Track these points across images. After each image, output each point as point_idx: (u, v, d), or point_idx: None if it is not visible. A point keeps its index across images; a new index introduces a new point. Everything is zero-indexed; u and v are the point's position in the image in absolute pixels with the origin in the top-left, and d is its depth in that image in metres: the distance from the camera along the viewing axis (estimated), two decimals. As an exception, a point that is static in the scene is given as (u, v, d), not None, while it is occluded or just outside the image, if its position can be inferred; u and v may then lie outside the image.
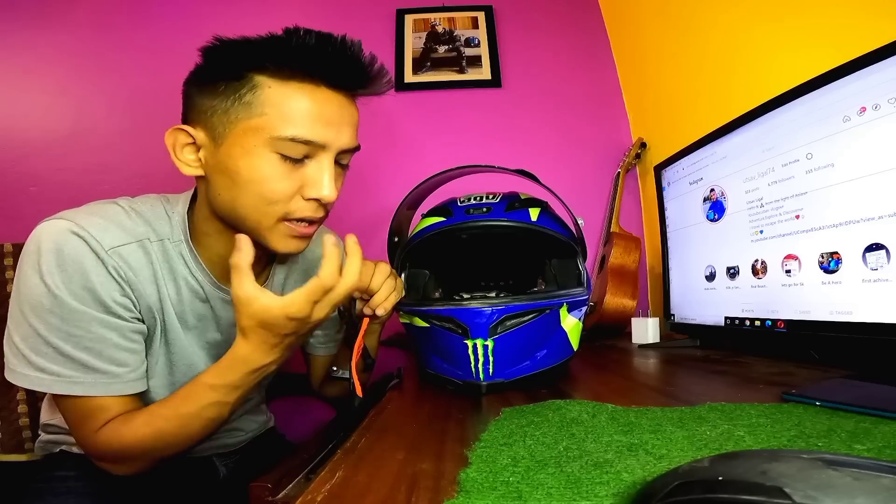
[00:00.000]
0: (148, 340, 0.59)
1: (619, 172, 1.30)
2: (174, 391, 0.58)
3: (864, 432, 0.35)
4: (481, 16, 1.46)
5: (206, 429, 0.57)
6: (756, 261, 0.77)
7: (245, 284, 0.48)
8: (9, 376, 0.53)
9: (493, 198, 0.70)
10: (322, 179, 0.55)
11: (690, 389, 0.58)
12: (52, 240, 0.51)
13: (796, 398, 0.45)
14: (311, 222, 0.58)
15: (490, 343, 0.59)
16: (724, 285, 0.84)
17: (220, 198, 0.56)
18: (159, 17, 1.39)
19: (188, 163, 0.56)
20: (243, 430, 0.81)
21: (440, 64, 1.42)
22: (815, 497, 0.19)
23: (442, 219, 0.69)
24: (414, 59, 1.42)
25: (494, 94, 1.41)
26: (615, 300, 1.07)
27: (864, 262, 0.60)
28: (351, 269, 0.51)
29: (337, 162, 0.58)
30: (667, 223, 1.03)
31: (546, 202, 0.73)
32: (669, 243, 1.02)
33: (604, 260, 1.18)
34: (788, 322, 0.71)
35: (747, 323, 0.78)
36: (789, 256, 0.71)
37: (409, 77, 1.40)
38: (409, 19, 1.45)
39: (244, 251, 0.49)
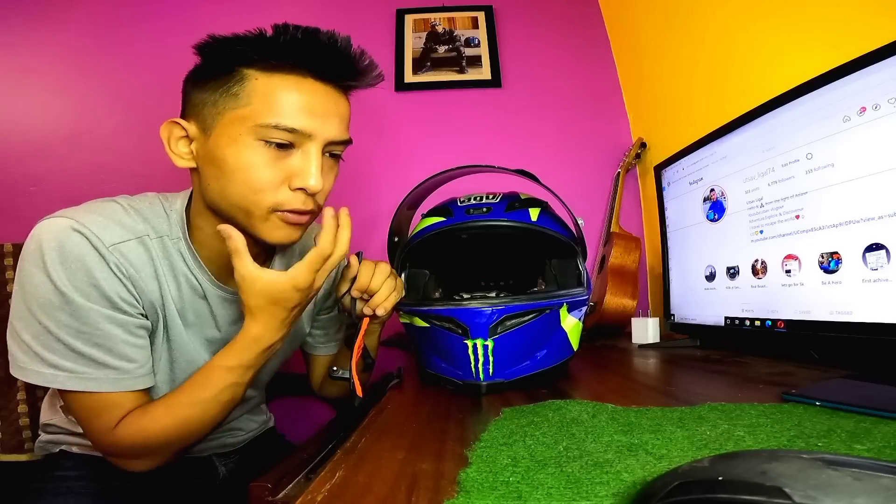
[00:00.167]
0: (151, 336, 0.59)
1: (619, 172, 1.30)
2: (174, 387, 0.59)
3: (864, 432, 0.35)
4: (481, 16, 1.46)
5: (224, 412, 0.58)
6: (756, 261, 0.77)
7: (247, 265, 0.53)
8: (19, 374, 0.53)
9: (493, 198, 0.70)
10: (308, 169, 0.55)
11: (690, 389, 0.58)
12: (53, 237, 0.51)
13: (796, 398, 0.45)
14: (300, 213, 0.58)
15: (490, 343, 0.59)
16: (724, 285, 0.84)
17: (209, 188, 0.56)
18: (159, 16, 1.39)
19: (181, 155, 0.58)
20: (243, 430, 0.81)
21: (440, 64, 1.42)
22: (815, 497, 0.19)
23: (442, 219, 0.69)
24: (414, 59, 1.42)
25: (494, 94, 1.41)
26: (615, 300, 1.07)
27: (864, 262, 0.60)
28: (343, 238, 0.56)
29: (330, 154, 0.59)
30: (667, 223, 1.03)
31: (546, 202, 0.73)
32: (669, 243, 1.02)
33: (604, 260, 1.18)
34: (788, 322, 0.71)
35: (747, 323, 0.78)
36: (789, 256, 0.71)
37: (409, 77, 1.40)
38: (409, 19, 1.45)
39: (234, 236, 0.53)
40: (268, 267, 0.70)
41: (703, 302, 0.90)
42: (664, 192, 1.04)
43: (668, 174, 1.03)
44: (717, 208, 0.86)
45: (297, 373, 0.94)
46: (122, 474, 0.61)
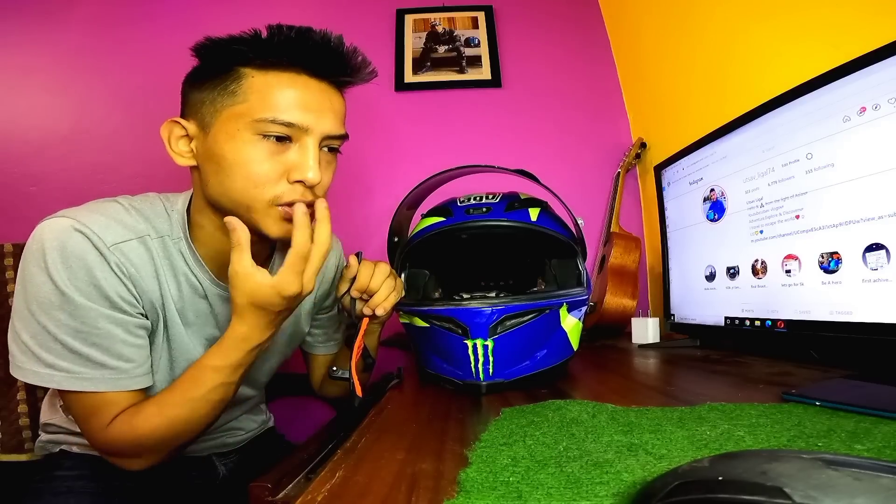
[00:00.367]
0: (151, 336, 0.60)
1: (619, 172, 1.30)
2: (162, 391, 0.59)
3: (864, 432, 0.35)
4: (481, 16, 1.46)
5: (214, 411, 0.58)
6: (756, 261, 0.77)
7: (243, 260, 0.52)
8: (17, 373, 0.53)
9: (493, 198, 0.70)
10: (306, 162, 0.55)
11: (690, 389, 0.58)
12: (54, 237, 0.51)
13: (796, 398, 0.45)
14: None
15: (490, 343, 0.59)
16: (724, 285, 0.84)
17: (210, 185, 0.57)
18: (160, 16, 1.39)
19: (181, 154, 0.58)
20: (243, 430, 0.81)
21: (440, 64, 1.42)
22: (815, 497, 0.19)
23: (442, 219, 0.69)
24: (414, 59, 1.42)
25: (494, 94, 1.41)
26: (615, 300, 1.07)
27: (864, 262, 0.60)
28: (322, 234, 0.55)
29: (328, 149, 0.60)
30: (667, 223, 1.03)
31: (546, 202, 0.73)
32: (669, 243, 1.02)
33: (604, 260, 1.18)
34: (788, 322, 0.71)
35: (747, 323, 0.78)
36: (789, 256, 0.71)
37: (409, 77, 1.40)
38: (409, 19, 1.45)
39: (239, 229, 0.52)
40: (268, 266, 0.70)
41: (703, 302, 0.90)
42: (664, 192, 1.04)
43: (668, 174, 1.03)
44: (717, 208, 0.86)
45: (297, 373, 0.94)
46: (122, 474, 0.61)
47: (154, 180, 1.15)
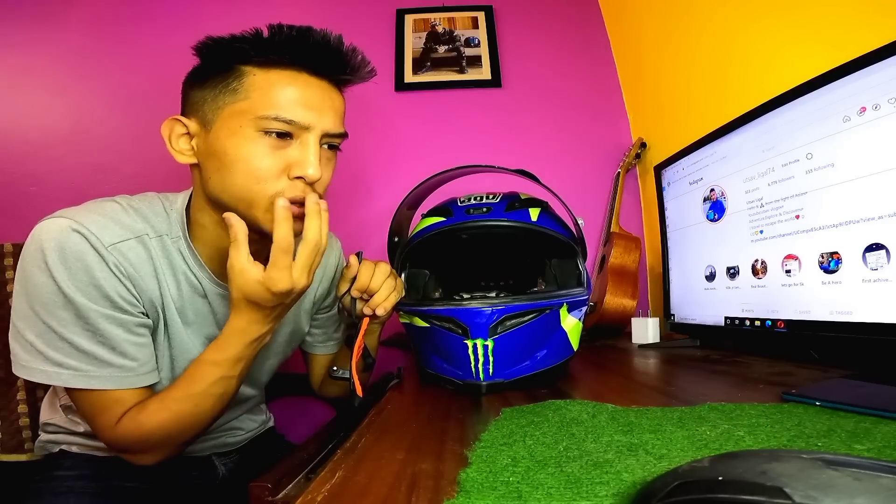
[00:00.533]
0: (152, 335, 0.60)
1: (619, 172, 1.30)
2: (165, 388, 0.59)
3: (864, 432, 0.35)
4: (481, 16, 1.46)
5: (218, 406, 0.58)
6: (756, 261, 0.77)
7: (240, 256, 0.53)
8: (22, 373, 0.53)
9: (493, 198, 0.70)
10: (307, 158, 0.56)
11: (690, 389, 0.58)
12: (53, 238, 0.51)
13: (796, 398, 0.45)
14: (302, 204, 0.58)
15: (490, 343, 0.59)
16: (724, 285, 0.84)
17: (211, 181, 0.57)
18: (160, 16, 1.39)
19: (182, 151, 0.59)
20: (243, 430, 0.81)
21: (440, 64, 1.42)
22: (815, 497, 0.19)
23: (442, 219, 0.69)
24: (414, 59, 1.42)
25: (494, 94, 1.41)
26: (615, 300, 1.07)
27: (864, 262, 0.60)
28: (310, 229, 0.54)
29: (328, 146, 0.60)
30: (667, 223, 1.03)
31: (546, 202, 0.73)
32: (669, 243, 1.02)
33: (604, 260, 1.18)
34: (788, 322, 0.71)
35: (747, 323, 0.78)
36: (789, 256, 0.71)
37: (409, 77, 1.40)
38: (409, 19, 1.45)
39: (236, 225, 0.53)
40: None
41: (703, 302, 0.90)
42: (664, 192, 1.04)
43: (668, 174, 1.03)
44: (717, 208, 0.86)
45: (297, 373, 0.94)
46: (122, 474, 0.61)
47: (154, 180, 1.15)
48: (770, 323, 0.74)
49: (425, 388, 0.66)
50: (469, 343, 0.59)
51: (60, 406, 0.68)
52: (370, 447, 0.41)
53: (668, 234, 1.02)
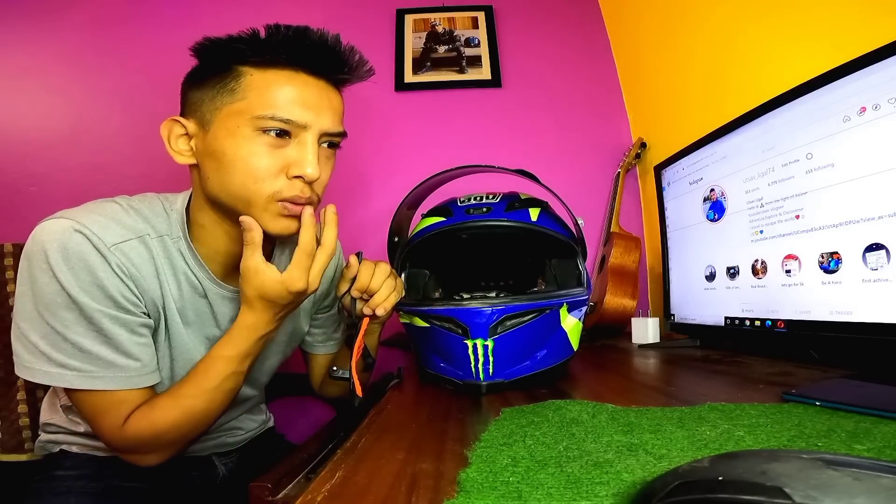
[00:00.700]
0: (153, 335, 0.60)
1: (619, 172, 1.30)
2: (175, 384, 0.59)
3: (864, 432, 0.35)
4: (481, 16, 1.46)
5: (226, 401, 0.60)
6: (756, 261, 0.77)
7: (255, 257, 0.55)
8: (25, 374, 0.53)
9: (493, 198, 0.70)
10: (305, 158, 0.56)
11: (690, 389, 0.58)
12: (55, 238, 0.51)
13: (796, 398, 0.45)
14: (299, 204, 0.58)
15: (490, 343, 0.59)
16: (724, 285, 0.84)
17: (209, 181, 0.57)
18: (159, 17, 1.39)
19: (181, 152, 0.59)
20: (243, 430, 0.81)
21: (440, 64, 1.42)
22: (815, 497, 0.19)
23: (442, 219, 0.69)
24: (414, 59, 1.42)
25: (494, 94, 1.41)
26: (615, 300, 1.07)
27: (864, 262, 0.60)
28: (328, 237, 0.58)
29: (327, 145, 0.60)
30: (667, 223, 1.03)
31: (546, 202, 0.73)
32: (669, 243, 1.02)
33: (604, 260, 1.18)
34: (788, 322, 0.71)
35: (747, 323, 0.78)
36: (789, 256, 0.71)
37: (409, 77, 1.40)
38: (409, 19, 1.45)
39: (254, 229, 0.55)
40: (271, 262, 0.71)
41: (703, 302, 0.90)
42: (664, 192, 1.04)
43: (668, 174, 1.03)
44: (717, 208, 0.86)
45: (297, 373, 0.94)
46: (122, 474, 0.61)
47: (154, 180, 1.15)
48: (770, 323, 0.74)
49: (425, 388, 0.66)
50: (469, 343, 0.59)
51: (60, 406, 0.68)
52: (370, 447, 0.41)
53: (668, 234, 1.02)
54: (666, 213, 1.04)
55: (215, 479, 0.76)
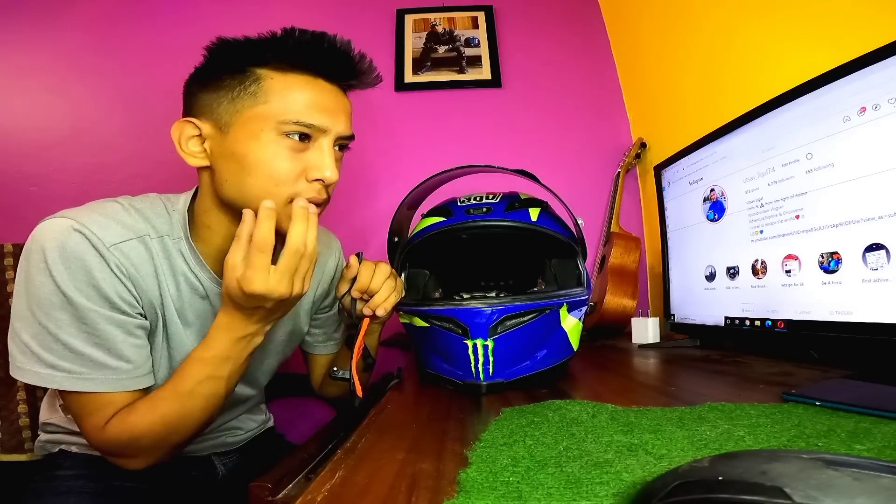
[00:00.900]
0: (150, 336, 0.60)
1: (619, 172, 1.30)
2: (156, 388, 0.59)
3: (864, 432, 0.35)
4: (481, 16, 1.46)
5: (207, 408, 0.57)
6: (756, 261, 0.77)
7: (235, 253, 0.52)
8: (17, 374, 0.53)
9: (493, 198, 0.70)
10: (324, 161, 0.58)
11: (690, 389, 0.58)
12: (53, 238, 0.51)
13: (796, 398, 0.45)
14: (315, 204, 0.59)
15: (490, 343, 0.59)
16: (724, 285, 0.84)
17: (226, 184, 0.57)
18: (160, 17, 1.39)
19: (193, 154, 0.58)
20: (242, 430, 0.81)
21: (440, 64, 1.42)
22: (815, 497, 0.19)
23: (442, 219, 0.69)
24: (414, 59, 1.42)
25: (494, 94, 1.41)
26: (615, 300, 1.07)
27: (864, 262, 0.60)
28: (292, 233, 0.52)
29: (338, 147, 0.61)
30: (667, 223, 1.03)
31: (546, 202, 0.73)
32: (669, 243, 1.02)
33: (604, 260, 1.18)
34: (788, 322, 0.71)
35: (747, 323, 0.78)
36: (789, 256, 0.71)
37: (409, 77, 1.40)
38: (409, 19, 1.45)
39: (247, 223, 0.53)
40: None
41: (703, 302, 0.90)
42: (664, 192, 1.04)
43: (668, 174, 1.03)
44: (717, 208, 0.86)
45: (297, 373, 0.94)
46: (122, 473, 0.61)
47: (154, 180, 1.15)
48: (770, 323, 0.74)
49: (425, 388, 0.66)
50: (469, 343, 0.59)
51: (60, 406, 0.68)
52: (370, 447, 0.41)
53: (668, 234, 1.02)
54: (666, 213, 1.04)
55: (215, 479, 0.76)
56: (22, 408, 0.88)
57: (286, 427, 0.95)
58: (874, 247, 0.59)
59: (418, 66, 1.41)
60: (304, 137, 0.57)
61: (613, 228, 1.22)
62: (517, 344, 0.61)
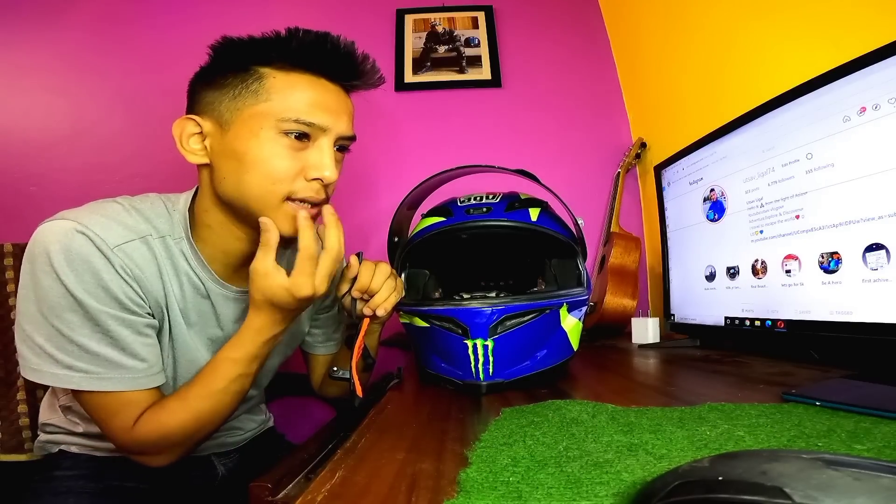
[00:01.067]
0: (157, 336, 0.60)
1: (619, 172, 1.30)
2: (177, 386, 0.60)
3: (864, 432, 0.35)
4: (481, 16, 1.46)
5: (234, 403, 0.60)
6: (756, 261, 0.77)
7: (267, 260, 0.55)
8: (32, 376, 0.53)
9: (493, 198, 0.70)
10: (324, 161, 0.58)
11: (690, 389, 0.58)
12: (57, 240, 0.51)
13: (796, 398, 0.45)
14: (313, 204, 0.60)
15: (490, 343, 0.59)
16: (724, 285, 0.84)
17: (225, 181, 0.57)
18: (160, 17, 1.39)
19: (194, 152, 0.59)
20: (242, 430, 0.81)
21: (440, 64, 1.42)
22: (815, 497, 0.19)
23: (442, 219, 0.69)
24: (414, 59, 1.42)
25: (494, 94, 1.41)
26: (615, 300, 1.07)
27: (864, 262, 0.60)
28: (330, 239, 0.57)
29: (338, 148, 0.61)
30: (667, 223, 1.03)
31: (546, 202, 0.73)
32: (669, 243, 1.02)
33: (604, 260, 1.18)
34: (788, 322, 0.70)
35: (747, 323, 0.78)
36: (789, 256, 0.71)
37: (409, 77, 1.40)
38: (409, 19, 1.45)
39: (272, 231, 0.55)
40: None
41: (703, 302, 0.90)
42: (664, 192, 1.04)
43: (668, 174, 1.03)
44: (717, 208, 0.86)
45: (297, 373, 0.94)
46: (121, 473, 0.61)
47: (154, 180, 1.15)
48: (770, 323, 0.74)
49: (425, 388, 0.66)
50: (469, 343, 0.59)
51: (59, 406, 0.68)
52: (370, 447, 0.41)
53: (668, 234, 1.02)
54: (666, 213, 1.04)
55: (215, 479, 0.76)
56: (22, 408, 0.88)
57: (286, 427, 0.95)
58: (874, 247, 0.59)
59: (418, 66, 1.41)
60: (303, 136, 0.57)
61: (613, 228, 1.22)
62: (517, 344, 0.61)
